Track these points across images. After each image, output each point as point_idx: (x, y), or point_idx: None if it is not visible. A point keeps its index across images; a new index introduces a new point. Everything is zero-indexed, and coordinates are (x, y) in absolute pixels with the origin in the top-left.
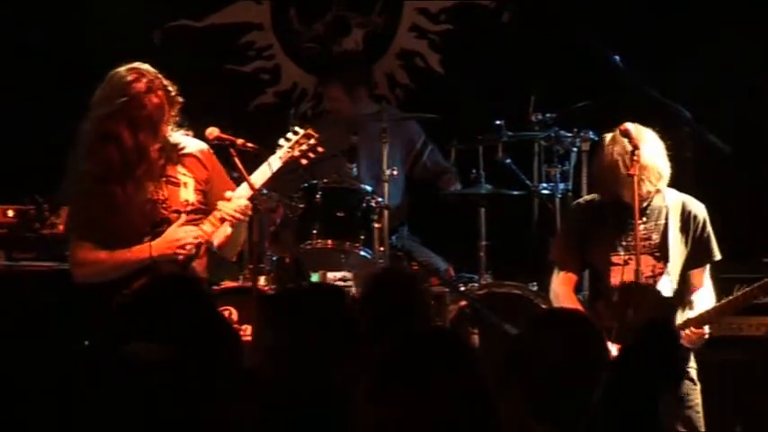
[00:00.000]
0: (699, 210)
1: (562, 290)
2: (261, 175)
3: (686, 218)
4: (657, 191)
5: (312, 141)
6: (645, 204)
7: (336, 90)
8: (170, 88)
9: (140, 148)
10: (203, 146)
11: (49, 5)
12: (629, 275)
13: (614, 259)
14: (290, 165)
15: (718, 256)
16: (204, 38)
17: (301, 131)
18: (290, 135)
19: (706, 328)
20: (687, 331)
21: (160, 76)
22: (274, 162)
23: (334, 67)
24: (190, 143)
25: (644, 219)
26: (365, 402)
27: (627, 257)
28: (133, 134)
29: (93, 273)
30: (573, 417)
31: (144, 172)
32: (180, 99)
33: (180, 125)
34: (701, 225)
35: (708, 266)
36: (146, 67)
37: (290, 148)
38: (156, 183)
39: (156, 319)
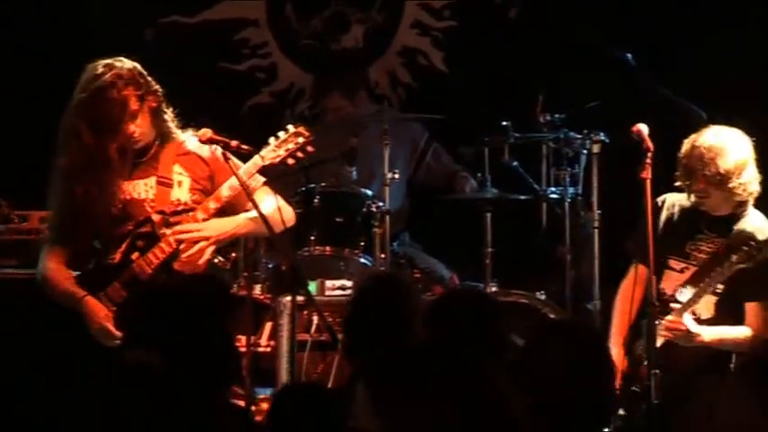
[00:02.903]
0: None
1: (626, 283)
2: (244, 173)
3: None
4: (739, 204)
5: (301, 140)
6: (723, 215)
7: (336, 100)
8: (150, 86)
9: (100, 146)
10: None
11: (43, 4)
12: (669, 281)
13: (671, 263)
14: (276, 164)
15: None
16: (197, 35)
17: (291, 129)
18: (280, 133)
19: (686, 321)
20: (665, 322)
21: (137, 71)
22: (258, 160)
23: (330, 74)
24: (192, 142)
25: (715, 233)
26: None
27: (684, 266)
28: (92, 132)
29: (48, 293)
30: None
31: (107, 171)
32: (154, 97)
33: (185, 126)
34: (762, 257)
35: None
36: (122, 62)
37: (276, 146)
38: (124, 181)
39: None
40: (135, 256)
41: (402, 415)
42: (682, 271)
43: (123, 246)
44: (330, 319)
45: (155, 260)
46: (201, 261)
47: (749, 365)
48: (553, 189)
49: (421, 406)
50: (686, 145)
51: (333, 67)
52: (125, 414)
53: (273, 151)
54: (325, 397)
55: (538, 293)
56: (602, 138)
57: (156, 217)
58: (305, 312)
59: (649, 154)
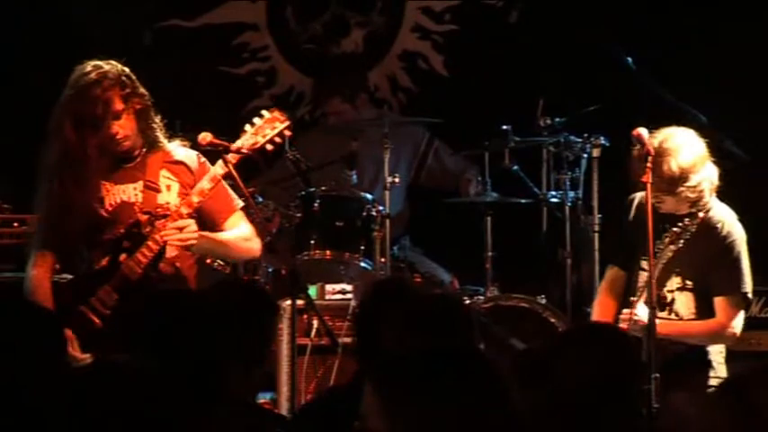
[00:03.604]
0: (732, 232)
1: (601, 287)
2: (221, 166)
3: (717, 236)
4: (696, 203)
5: (278, 125)
6: (686, 213)
7: (337, 104)
8: (137, 90)
9: (80, 142)
10: (193, 154)
11: (41, 6)
12: (642, 282)
13: (643, 264)
14: (256, 152)
15: (745, 288)
16: (197, 38)
17: (267, 114)
18: (255, 120)
19: (639, 312)
20: (622, 315)
21: (124, 73)
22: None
23: (330, 79)
24: (180, 151)
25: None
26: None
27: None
28: (75, 129)
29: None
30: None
31: (84, 169)
32: (140, 101)
33: (174, 135)
34: (729, 249)
35: (738, 301)
36: (111, 64)
37: (253, 133)
38: (112, 184)
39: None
40: (123, 257)
41: (408, 415)
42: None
43: (110, 249)
44: (330, 323)
45: (143, 260)
46: (174, 245)
47: (729, 389)
48: (554, 193)
49: (425, 406)
50: (635, 150)
51: (333, 71)
52: (116, 415)
53: (252, 138)
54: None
55: (538, 297)
56: (603, 141)
57: (142, 217)
58: (305, 316)
59: (650, 158)
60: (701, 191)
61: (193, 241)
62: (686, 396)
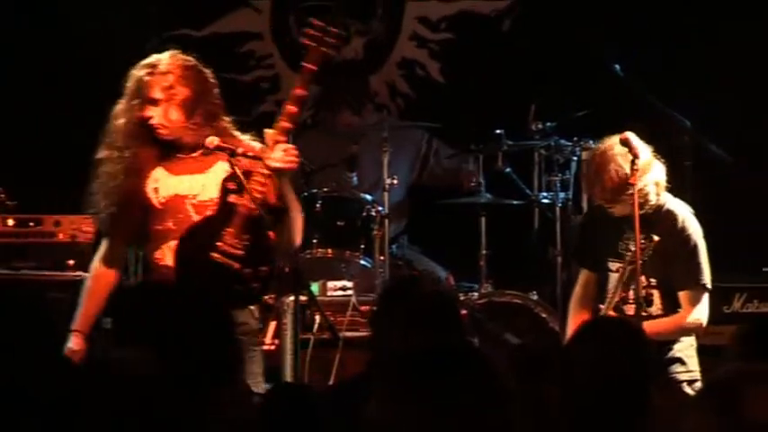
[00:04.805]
0: (687, 226)
1: (575, 291)
2: (302, 82)
3: (673, 232)
4: (642, 204)
5: (328, 29)
6: (641, 213)
7: (348, 117)
8: (185, 85)
9: (125, 120)
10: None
11: (48, 15)
12: (612, 283)
13: (610, 265)
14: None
15: (704, 280)
16: (204, 47)
17: (319, 24)
18: (310, 32)
19: None
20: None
21: (180, 69)
22: (312, 67)
23: (336, 87)
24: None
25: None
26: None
27: (619, 265)
28: (124, 106)
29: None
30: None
31: (125, 149)
32: (186, 97)
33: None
34: (686, 242)
35: (698, 293)
36: (175, 56)
37: (315, 47)
38: (165, 170)
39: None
40: (232, 198)
41: (408, 414)
42: (617, 271)
43: (217, 196)
44: (331, 319)
45: (258, 194)
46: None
47: (712, 391)
48: (545, 194)
49: (425, 405)
50: (584, 157)
51: (334, 78)
52: (114, 415)
53: (316, 52)
54: (312, 397)
55: (530, 294)
56: (592, 145)
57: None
58: (307, 312)
59: (637, 161)
60: (646, 194)
61: (295, 165)
62: (662, 396)
